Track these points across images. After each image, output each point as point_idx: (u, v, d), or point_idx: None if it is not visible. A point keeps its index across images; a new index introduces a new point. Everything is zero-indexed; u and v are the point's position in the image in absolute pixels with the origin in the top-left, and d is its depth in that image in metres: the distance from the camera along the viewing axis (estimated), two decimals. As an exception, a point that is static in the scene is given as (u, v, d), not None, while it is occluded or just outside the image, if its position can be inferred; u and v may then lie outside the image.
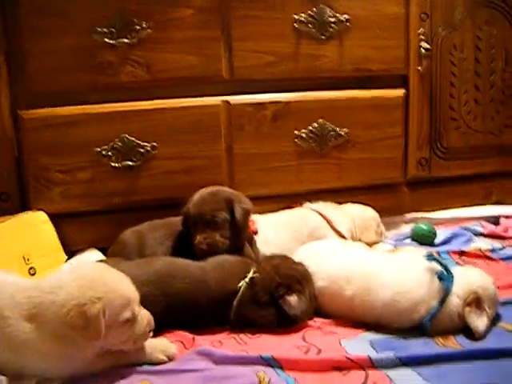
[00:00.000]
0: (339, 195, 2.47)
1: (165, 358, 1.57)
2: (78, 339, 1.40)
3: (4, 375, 1.44)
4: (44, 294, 1.43)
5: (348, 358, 1.51)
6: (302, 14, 2.34)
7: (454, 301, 1.66)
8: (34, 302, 1.43)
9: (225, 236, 1.96)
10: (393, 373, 1.47)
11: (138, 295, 1.52)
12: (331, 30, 2.37)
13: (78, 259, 2.24)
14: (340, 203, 2.40)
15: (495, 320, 1.71)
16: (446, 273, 1.68)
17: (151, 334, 1.55)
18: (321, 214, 2.28)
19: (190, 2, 2.24)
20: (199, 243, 1.95)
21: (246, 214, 2.00)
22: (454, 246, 2.41)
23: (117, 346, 1.50)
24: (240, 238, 2.02)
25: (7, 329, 1.42)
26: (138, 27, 2.19)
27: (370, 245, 2.27)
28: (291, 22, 2.33)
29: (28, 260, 2.11)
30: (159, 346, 1.59)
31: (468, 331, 1.63)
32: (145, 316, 1.53)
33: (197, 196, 2.03)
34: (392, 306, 1.69)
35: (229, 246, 1.96)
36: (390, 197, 2.61)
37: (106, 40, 2.17)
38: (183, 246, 2.02)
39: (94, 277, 1.45)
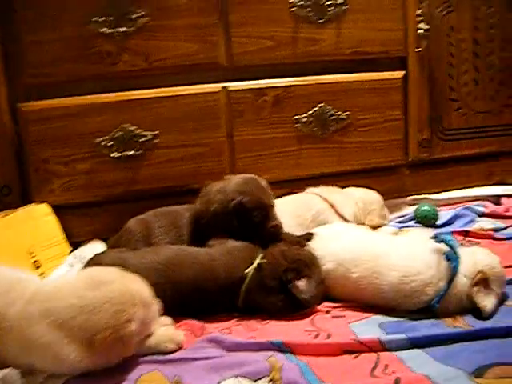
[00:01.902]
0: (341, 179, 2.47)
1: (174, 346, 1.57)
2: (110, 356, 1.43)
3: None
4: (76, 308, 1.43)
5: (358, 341, 1.50)
6: (299, -2, 2.33)
7: (462, 281, 1.65)
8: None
9: None
10: (404, 354, 1.47)
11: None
12: (329, 13, 2.36)
13: (81, 251, 2.23)
14: (342, 187, 2.38)
15: (503, 299, 1.70)
16: (453, 253, 1.68)
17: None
18: (324, 199, 2.27)
19: (187, -12, 2.23)
20: (279, 226, 1.95)
21: None
22: (457, 226, 2.40)
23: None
24: None
25: (28, 330, 1.41)
26: (134, 16, 2.18)
27: (374, 228, 2.26)
28: (289, 7, 2.32)
29: (32, 253, 2.11)
30: (166, 334, 1.58)
31: (476, 311, 1.63)
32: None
33: (249, 186, 1.97)
34: (400, 288, 1.68)
35: None
36: (392, 179, 2.61)
37: (103, 29, 2.15)
38: (191, 234, 2.01)
39: (122, 299, 1.44)
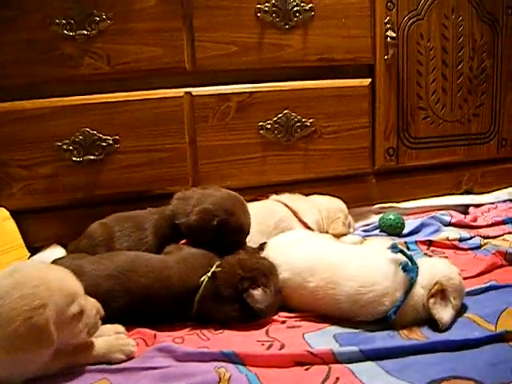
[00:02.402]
0: (306, 186, 2.46)
1: (123, 357, 1.54)
2: (31, 348, 1.35)
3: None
4: None
5: (310, 353, 1.49)
6: (266, 3, 2.31)
7: (419, 292, 1.64)
8: None
9: None
10: (356, 367, 1.45)
11: (81, 287, 1.47)
12: (295, 19, 2.34)
13: (40, 256, 2.20)
14: (307, 194, 2.37)
15: (461, 311, 1.69)
16: (410, 264, 1.66)
17: (100, 322, 1.52)
18: (287, 206, 2.25)
19: (152, -8, 2.21)
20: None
21: None
22: (423, 235, 2.40)
23: (70, 340, 1.46)
24: None
25: None
26: (97, 18, 2.15)
27: (337, 236, 2.24)
28: (254, 12, 2.30)
29: (-11, 257, 2.08)
30: (117, 344, 1.56)
31: (433, 323, 1.62)
32: (93, 305, 1.49)
33: (236, 206, 1.96)
34: (356, 298, 1.66)
35: None
36: (358, 187, 2.60)
37: (65, 32, 2.12)
38: (151, 239, 1.99)
39: (34, 282, 1.36)
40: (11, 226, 2.19)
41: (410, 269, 1.66)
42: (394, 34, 2.47)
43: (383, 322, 1.64)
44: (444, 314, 1.62)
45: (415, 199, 2.68)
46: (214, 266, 1.74)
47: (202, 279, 1.72)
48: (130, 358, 1.55)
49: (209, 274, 1.72)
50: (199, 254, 1.84)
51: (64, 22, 2.12)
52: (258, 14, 2.30)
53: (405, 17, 2.52)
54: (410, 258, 1.69)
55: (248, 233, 1.98)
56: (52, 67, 2.16)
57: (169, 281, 1.72)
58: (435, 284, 1.64)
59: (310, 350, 1.51)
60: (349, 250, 1.85)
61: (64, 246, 2.21)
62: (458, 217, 2.56)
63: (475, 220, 2.54)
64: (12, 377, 1.39)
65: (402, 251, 1.71)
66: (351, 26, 2.43)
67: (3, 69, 2.12)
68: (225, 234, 1.90)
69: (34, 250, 2.25)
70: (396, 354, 1.48)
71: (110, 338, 1.57)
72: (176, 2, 2.23)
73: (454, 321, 1.63)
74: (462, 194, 2.75)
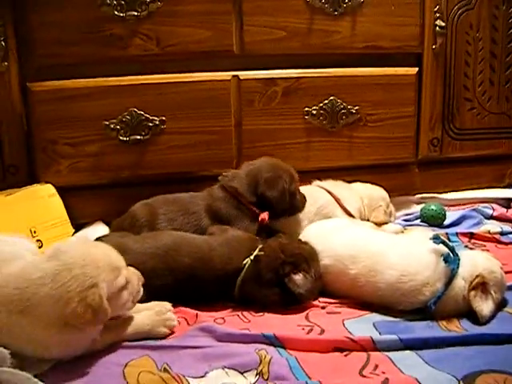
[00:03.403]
0: (349, 174, 2.45)
1: (166, 331, 1.58)
2: (88, 326, 1.38)
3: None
4: (35, 286, 1.36)
5: (350, 339, 1.50)
6: (316, -11, 2.31)
7: (460, 284, 1.64)
8: (26, 296, 1.36)
9: None
10: (395, 355, 1.46)
11: (123, 259, 1.51)
12: (344, 5, 2.33)
13: (84, 232, 2.24)
14: (349, 182, 2.37)
15: (501, 305, 1.68)
16: (452, 255, 1.66)
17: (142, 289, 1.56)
18: (330, 193, 2.25)
19: (202, -25, 2.22)
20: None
21: None
22: (464, 227, 2.38)
23: (120, 311, 1.51)
24: None
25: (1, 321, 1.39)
26: (147, 0, 2.16)
27: (378, 225, 2.24)
28: (304, -3, 2.30)
29: (35, 233, 2.12)
30: (160, 319, 1.59)
31: (473, 315, 1.61)
32: (134, 274, 1.53)
33: (277, 163, 2.13)
34: (397, 287, 1.67)
35: None
36: (401, 176, 2.59)
37: (116, 13, 2.14)
38: (196, 224, 2.02)
39: (82, 262, 1.38)
40: (57, 202, 2.23)
41: (451, 260, 1.66)
42: (443, 24, 2.45)
43: (423, 312, 1.64)
44: (484, 306, 1.62)
45: (457, 191, 2.65)
46: (257, 250, 1.76)
47: (245, 262, 1.74)
48: (171, 333, 1.59)
49: (251, 257, 1.74)
50: (242, 237, 1.86)
51: (115, 2, 2.13)
52: (308, 0, 2.30)
53: (455, 6, 2.49)
54: (452, 250, 1.68)
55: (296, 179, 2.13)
56: (101, 47, 2.18)
57: (212, 262, 1.75)
58: (477, 276, 1.63)
59: (350, 336, 1.52)
60: (390, 238, 1.85)
61: (107, 223, 2.25)
62: (499, 210, 2.53)
63: (517, 214, 2.52)
64: (65, 355, 1.43)
65: (443, 242, 1.71)
66: (400, 13, 2.41)
67: (53, 48, 2.15)
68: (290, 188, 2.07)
69: (78, 226, 2.28)
70: (435, 344, 1.50)
71: (152, 312, 1.60)
72: (226, -15, 2.24)
73: (493, 315, 1.63)
74: (504, 187, 2.72)
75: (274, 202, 2.04)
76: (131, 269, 1.53)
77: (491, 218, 2.50)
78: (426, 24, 2.45)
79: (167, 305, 1.65)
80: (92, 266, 1.38)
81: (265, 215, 2.04)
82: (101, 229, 2.26)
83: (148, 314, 1.59)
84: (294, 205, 2.10)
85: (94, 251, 1.45)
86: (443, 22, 2.45)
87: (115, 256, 1.49)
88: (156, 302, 1.65)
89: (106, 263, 1.42)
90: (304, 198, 2.13)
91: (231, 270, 1.74)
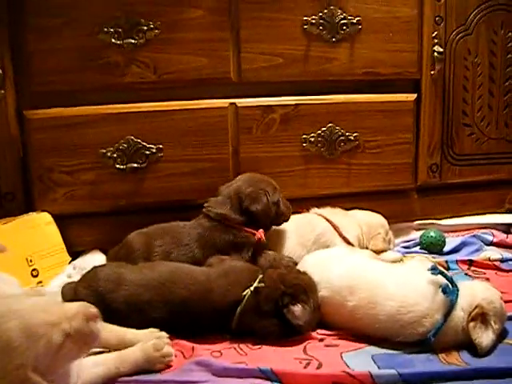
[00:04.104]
0: (348, 201, 2.44)
1: (163, 366, 1.57)
2: None
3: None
4: None
5: (348, 374, 1.48)
6: (313, 16, 2.30)
7: (459, 315, 1.63)
8: None
9: None
10: (393, 390, 1.45)
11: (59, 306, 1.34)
12: (342, 32, 2.33)
13: (80, 261, 2.22)
14: (348, 209, 2.36)
15: (502, 336, 1.67)
16: (450, 286, 1.65)
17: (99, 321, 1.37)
18: (328, 220, 2.24)
19: (200, 2, 2.21)
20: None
21: None
22: (464, 254, 2.37)
23: (75, 359, 1.37)
24: None
25: None
26: (145, 28, 2.16)
27: (377, 252, 2.23)
28: (301, 24, 2.29)
29: (31, 261, 2.11)
30: (157, 355, 1.56)
31: (473, 347, 1.60)
32: (76, 316, 1.31)
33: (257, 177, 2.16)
34: (396, 318, 1.65)
35: None
36: (400, 203, 2.57)
37: (113, 40, 2.14)
38: (190, 256, 2.00)
39: (7, 341, 1.23)
40: (53, 230, 2.21)
41: (450, 291, 1.64)
42: (441, 49, 2.44)
43: (422, 344, 1.62)
44: (484, 338, 1.60)
45: (457, 216, 2.64)
46: (257, 281, 1.74)
47: (245, 293, 1.72)
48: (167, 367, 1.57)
49: (252, 289, 1.72)
50: (241, 267, 1.85)
51: (112, 30, 2.13)
52: (305, 27, 2.29)
53: (453, 32, 2.49)
54: (451, 280, 1.67)
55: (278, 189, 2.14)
56: (98, 75, 2.17)
57: (210, 294, 1.73)
58: (476, 307, 1.62)
59: (348, 370, 1.50)
60: (389, 269, 1.83)
61: (104, 251, 2.23)
62: (499, 236, 2.52)
63: (517, 240, 2.51)
64: None
65: (442, 273, 1.69)
66: (398, 40, 2.41)
67: (50, 76, 2.14)
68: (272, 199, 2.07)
69: (75, 254, 2.27)
70: (435, 379, 1.48)
71: (149, 346, 1.57)
72: (223, 13, 2.23)
73: (493, 346, 1.61)
74: (504, 212, 2.71)
75: (260, 216, 2.04)
76: (72, 308, 1.33)
77: (491, 244, 2.48)
78: (424, 50, 2.45)
79: (164, 337, 1.63)
80: (24, 350, 1.23)
81: (261, 234, 2.04)
82: (98, 257, 2.25)
83: (145, 349, 1.56)
84: (278, 214, 2.10)
85: (12, 324, 1.26)
86: (441, 47, 2.45)
87: (42, 315, 1.29)
88: (153, 332, 1.63)
89: (32, 335, 1.25)
90: (288, 206, 2.14)
91: (230, 301, 1.72)
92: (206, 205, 2.09)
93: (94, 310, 1.34)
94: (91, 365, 1.48)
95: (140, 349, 1.56)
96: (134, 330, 1.63)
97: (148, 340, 1.60)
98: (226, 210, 2.04)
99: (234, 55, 2.27)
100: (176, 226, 2.09)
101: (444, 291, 1.64)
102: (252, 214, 2.03)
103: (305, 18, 2.29)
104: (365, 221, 2.31)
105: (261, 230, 2.06)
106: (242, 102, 2.31)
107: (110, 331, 1.59)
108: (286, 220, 2.15)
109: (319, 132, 2.37)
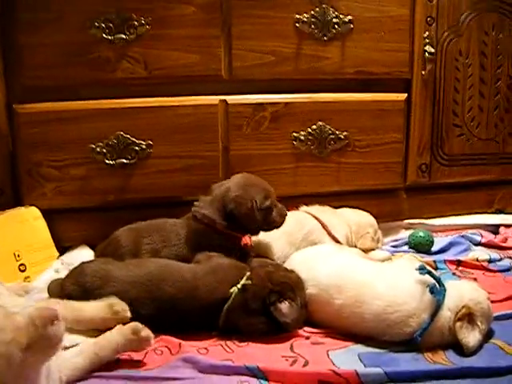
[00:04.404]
0: (337, 199, 2.44)
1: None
2: None
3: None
4: None
5: (334, 372, 1.48)
6: (305, 14, 2.30)
7: (446, 315, 1.62)
8: None
9: None
10: (380, 389, 1.45)
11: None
12: (334, 31, 2.33)
13: (68, 257, 2.22)
14: (337, 207, 2.37)
15: (488, 336, 1.67)
16: (438, 286, 1.65)
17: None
18: (317, 218, 2.25)
19: (192, -1, 2.22)
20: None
21: None
22: (452, 254, 2.37)
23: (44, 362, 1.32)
24: None
25: None
26: (136, 23, 2.15)
27: (366, 251, 2.23)
28: (293, 22, 2.29)
29: (19, 256, 2.10)
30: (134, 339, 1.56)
31: (459, 346, 1.60)
32: (28, 323, 1.25)
33: (251, 180, 2.08)
34: (383, 318, 1.65)
35: None
36: (389, 202, 2.58)
37: (104, 35, 2.13)
38: (180, 256, 1.98)
39: None
40: (42, 225, 2.20)
41: (437, 291, 1.64)
42: (432, 50, 2.45)
43: (408, 343, 1.62)
44: (470, 338, 1.60)
45: (445, 216, 2.65)
46: (244, 278, 1.74)
47: (232, 291, 1.71)
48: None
49: (239, 286, 1.72)
50: (228, 264, 1.84)
51: (103, 25, 2.13)
52: (297, 25, 2.29)
53: (444, 32, 2.50)
54: (438, 280, 1.67)
55: (272, 193, 2.06)
56: (89, 70, 2.17)
57: (197, 291, 1.72)
58: (462, 307, 1.62)
59: (334, 369, 1.50)
60: (377, 268, 1.83)
61: (92, 247, 2.23)
62: (488, 237, 2.53)
63: (505, 241, 2.51)
64: None
65: (429, 272, 1.69)
66: (389, 39, 2.41)
67: (40, 70, 2.13)
68: (260, 205, 2.00)
69: (63, 249, 2.26)
70: (420, 377, 1.48)
71: (127, 328, 1.57)
72: (215, 9, 2.23)
73: (479, 346, 1.61)
74: (493, 213, 2.72)
75: (243, 221, 1.99)
76: (28, 322, 1.25)
77: (479, 244, 2.49)
78: (416, 50, 2.46)
79: (125, 308, 1.65)
80: None
81: (246, 239, 2.03)
82: (86, 252, 2.24)
83: (123, 332, 1.56)
84: (268, 221, 2.05)
85: None
86: (433, 48, 2.46)
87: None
88: (112, 304, 1.65)
89: None
90: (283, 212, 2.08)
91: (217, 299, 1.71)
92: (195, 203, 2.07)
93: (49, 311, 1.27)
94: (70, 356, 1.48)
95: (118, 332, 1.56)
96: (91, 303, 1.65)
97: (106, 313, 1.62)
98: (211, 212, 2.00)
99: (225, 52, 2.26)
100: (165, 223, 2.07)
101: (431, 291, 1.64)
102: (235, 218, 1.99)
103: (297, 16, 2.29)
104: (354, 219, 2.32)
105: (248, 235, 2.04)
106: (232, 99, 2.31)
107: (65, 308, 1.59)
108: (278, 227, 2.09)
109: (309, 130, 2.38)
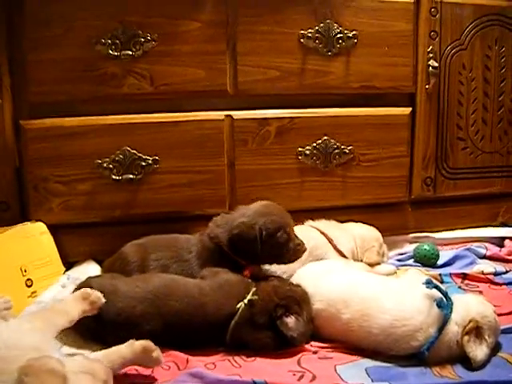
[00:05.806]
0: (342, 213, 2.45)
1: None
2: None
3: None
4: None
5: (342, 387, 1.49)
6: (309, 30, 2.31)
7: (453, 329, 1.63)
8: None
9: None
10: (387, 403, 1.45)
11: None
12: (338, 46, 2.34)
13: (75, 272, 2.22)
14: (343, 221, 2.37)
15: (495, 349, 1.67)
16: (445, 300, 1.65)
17: None
18: (322, 233, 2.25)
19: (197, 15, 2.22)
20: (303, 244, 2.00)
21: None
22: (457, 267, 2.38)
23: None
24: None
25: None
26: (142, 39, 2.16)
27: (371, 265, 2.24)
28: (297, 38, 2.31)
29: (25, 271, 2.09)
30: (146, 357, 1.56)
31: (466, 360, 1.60)
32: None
33: (269, 208, 2.01)
34: (390, 332, 1.66)
35: None
36: (394, 216, 2.58)
37: (110, 52, 2.14)
38: (189, 272, 1.97)
39: None
40: (48, 240, 2.20)
41: (444, 305, 1.64)
42: (436, 64, 2.46)
43: (416, 358, 1.62)
44: (478, 352, 1.60)
45: (451, 230, 2.66)
46: (251, 294, 1.74)
47: (239, 306, 1.72)
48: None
49: (246, 301, 1.72)
50: (235, 280, 1.84)
51: (109, 41, 2.14)
52: (302, 40, 2.31)
53: (447, 46, 2.51)
54: (445, 294, 1.67)
55: (292, 227, 2.00)
56: (95, 86, 2.17)
57: (203, 307, 1.72)
58: (470, 321, 1.62)
59: (342, 383, 1.51)
60: (383, 282, 1.84)
61: (99, 262, 2.23)
62: (493, 250, 2.53)
63: (511, 254, 2.51)
64: None
65: (436, 287, 1.70)
66: (393, 54, 2.43)
67: (47, 86, 2.14)
68: (270, 236, 1.93)
69: (69, 264, 2.27)
70: (428, 392, 1.48)
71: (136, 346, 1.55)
72: (220, 25, 2.24)
73: (487, 360, 1.61)
74: (497, 226, 2.72)
75: (245, 248, 1.93)
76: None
77: (484, 257, 2.49)
78: (420, 64, 2.47)
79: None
80: None
81: (249, 271, 1.96)
82: (92, 267, 2.24)
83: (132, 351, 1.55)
84: (279, 254, 1.97)
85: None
86: (436, 62, 2.47)
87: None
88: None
89: None
90: (300, 248, 1.99)
91: (224, 314, 1.72)
92: (214, 218, 2.05)
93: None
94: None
95: (128, 348, 1.54)
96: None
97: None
98: (222, 232, 1.97)
99: (230, 68, 2.27)
100: (176, 238, 2.07)
101: (438, 305, 1.64)
102: (238, 244, 1.94)
103: (301, 32, 2.31)
104: (359, 234, 2.31)
105: (251, 267, 1.98)
106: (237, 114, 2.31)
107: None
108: (291, 261, 2.00)
109: (314, 145, 2.38)
